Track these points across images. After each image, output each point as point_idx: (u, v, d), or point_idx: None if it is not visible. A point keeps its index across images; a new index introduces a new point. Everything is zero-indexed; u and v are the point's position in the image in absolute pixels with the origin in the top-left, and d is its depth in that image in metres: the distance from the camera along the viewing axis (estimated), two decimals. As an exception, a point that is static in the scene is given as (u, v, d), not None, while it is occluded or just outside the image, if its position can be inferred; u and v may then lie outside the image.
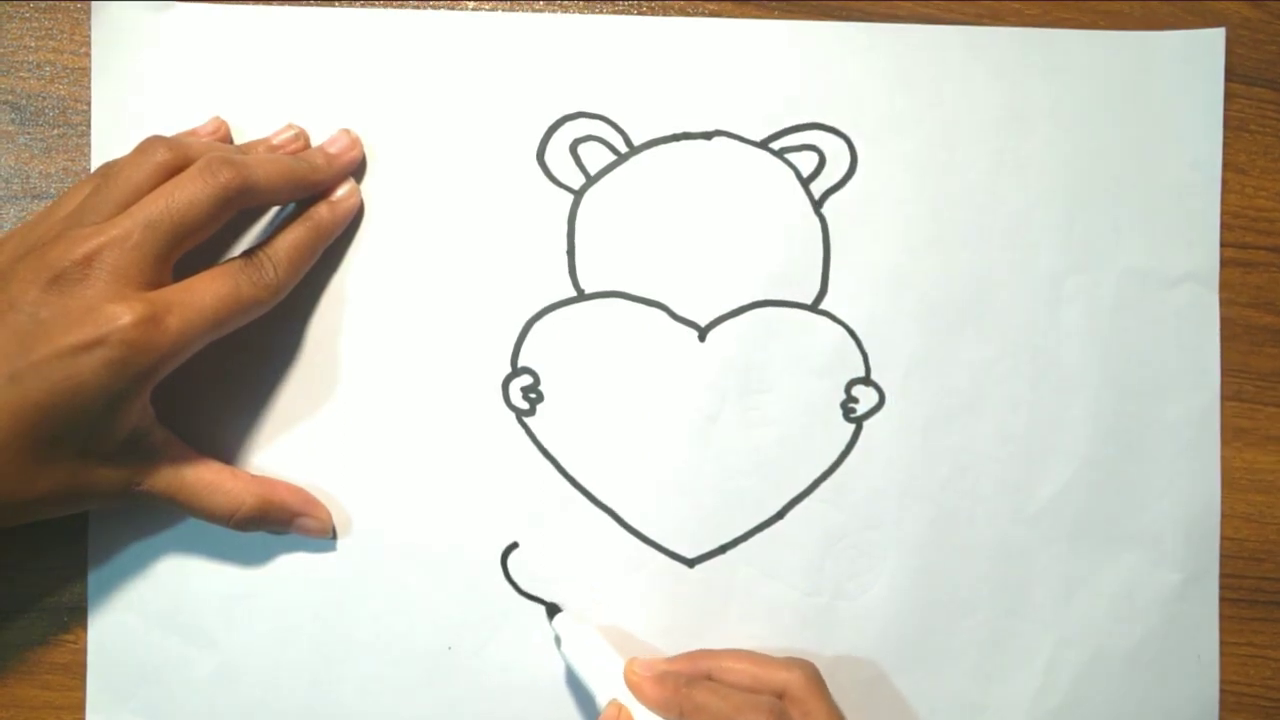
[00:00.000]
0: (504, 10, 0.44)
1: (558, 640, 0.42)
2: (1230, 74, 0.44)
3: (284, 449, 0.42)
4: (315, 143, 0.42)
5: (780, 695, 0.39)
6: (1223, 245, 0.44)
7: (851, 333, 0.43)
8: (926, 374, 0.43)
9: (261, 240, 0.40)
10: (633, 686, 0.39)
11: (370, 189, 0.43)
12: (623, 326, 0.43)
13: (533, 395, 0.43)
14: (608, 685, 0.40)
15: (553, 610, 0.42)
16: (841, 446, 0.43)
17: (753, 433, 0.43)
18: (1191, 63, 0.44)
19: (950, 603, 0.43)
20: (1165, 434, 0.44)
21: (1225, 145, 0.44)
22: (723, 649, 0.41)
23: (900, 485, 0.43)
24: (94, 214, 0.37)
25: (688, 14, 0.44)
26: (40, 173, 0.43)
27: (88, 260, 0.35)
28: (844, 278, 0.43)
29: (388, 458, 0.43)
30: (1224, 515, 0.44)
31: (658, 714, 0.39)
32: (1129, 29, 0.44)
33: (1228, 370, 0.44)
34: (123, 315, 0.35)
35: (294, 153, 0.41)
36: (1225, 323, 0.44)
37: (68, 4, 0.43)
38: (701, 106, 0.43)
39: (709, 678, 0.40)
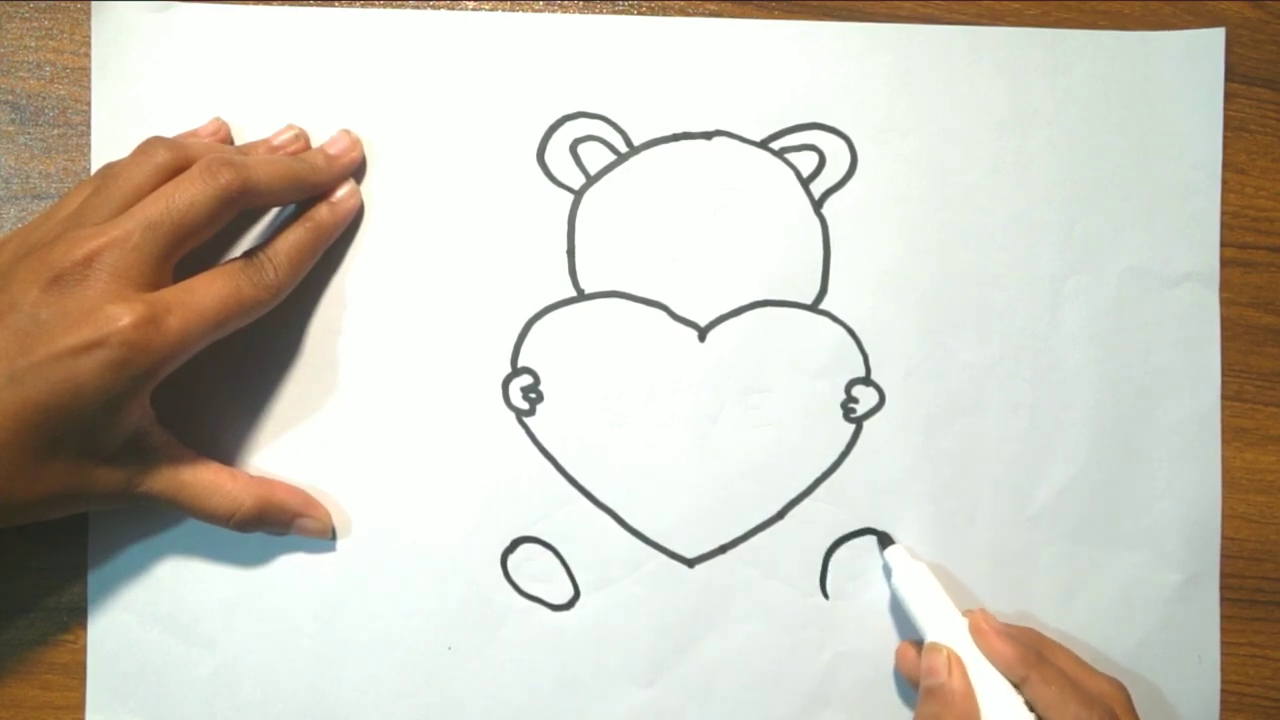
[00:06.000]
0: (504, 10, 0.44)
1: (887, 570, 0.42)
2: (1230, 74, 0.44)
3: (284, 449, 0.42)
4: (316, 143, 0.42)
5: None
6: (1223, 245, 0.44)
7: (851, 333, 0.43)
8: (926, 374, 0.43)
9: (262, 241, 0.40)
10: (980, 635, 0.39)
11: (370, 190, 0.43)
12: (623, 326, 0.43)
13: (533, 395, 0.43)
14: (942, 626, 0.40)
15: (885, 540, 0.43)
16: (841, 446, 0.43)
17: (753, 433, 0.43)
18: (1191, 63, 0.44)
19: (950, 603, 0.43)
20: (1166, 434, 0.44)
21: (1225, 145, 0.44)
22: (1048, 637, 0.41)
23: (900, 485, 0.43)
24: (95, 215, 0.37)
25: (688, 14, 0.44)
26: (40, 173, 0.43)
27: (88, 261, 0.35)
28: (844, 278, 0.43)
29: (388, 458, 0.43)
30: (1224, 515, 0.44)
31: (998, 668, 0.38)
32: (1129, 29, 0.44)
33: (1228, 370, 0.44)
34: (123, 316, 0.35)
35: (294, 153, 0.41)
36: (1225, 323, 0.44)
37: (68, 4, 0.43)
38: (701, 106, 0.43)
39: (1040, 655, 0.39)
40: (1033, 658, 0.38)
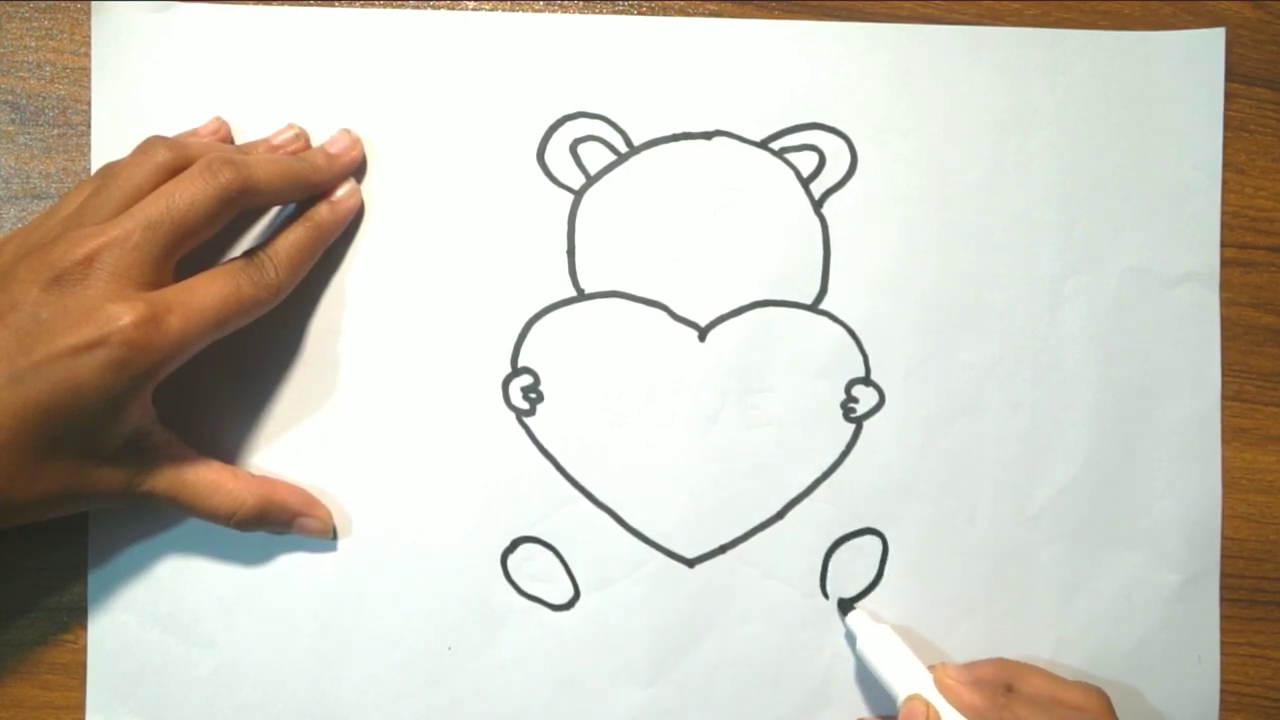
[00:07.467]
0: (504, 10, 0.44)
1: (851, 637, 0.42)
2: (1230, 74, 0.44)
3: (284, 449, 0.42)
4: (316, 143, 0.42)
5: None
6: (1223, 245, 0.44)
7: (851, 333, 0.43)
8: (926, 374, 0.43)
9: (262, 240, 0.40)
10: (946, 690, 0.39)
11: (371, 189, 0.43)
12: (623, 326, 0.43)
13: (533, 395, 0.43)
14: (912, 685, 0.39)
15: (845, 607, 0.43)
16: (841, 446, 0.43)
17: (753, 433, 0.43)
18: (1191, 63, 0.44)
19: (950, 603, 0.43)
20: (1166, 434, 0.44)
21: (1225, 145, 0.44)
22: (1018, 662, 0.41)
23: (900, 485, 0.43)
24: (95, 214, 0.37)
25: (688, 14, 0.44)
26: (40, 173, 0.43)
27: (88, 260, 0.35)
28: (844, 278, 0.43)
29: (388, 458, 0.43)
30: (1224, 515, 0.44)
31: (970, 719, 0.38)
32: (1129, 29, 0.44)
33: (1228, 370, 0.44)
34: (123, 315, 0.35)
35: (295, 153, 0.41)
36: (1225, 323, 0.44)
37: (68, 4, 0.43)
38: (701, 106, 0.43)
39: (1009, 689, 0.39)
40: (1002, 699, 0.38)
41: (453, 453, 0.43)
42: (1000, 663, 0.41)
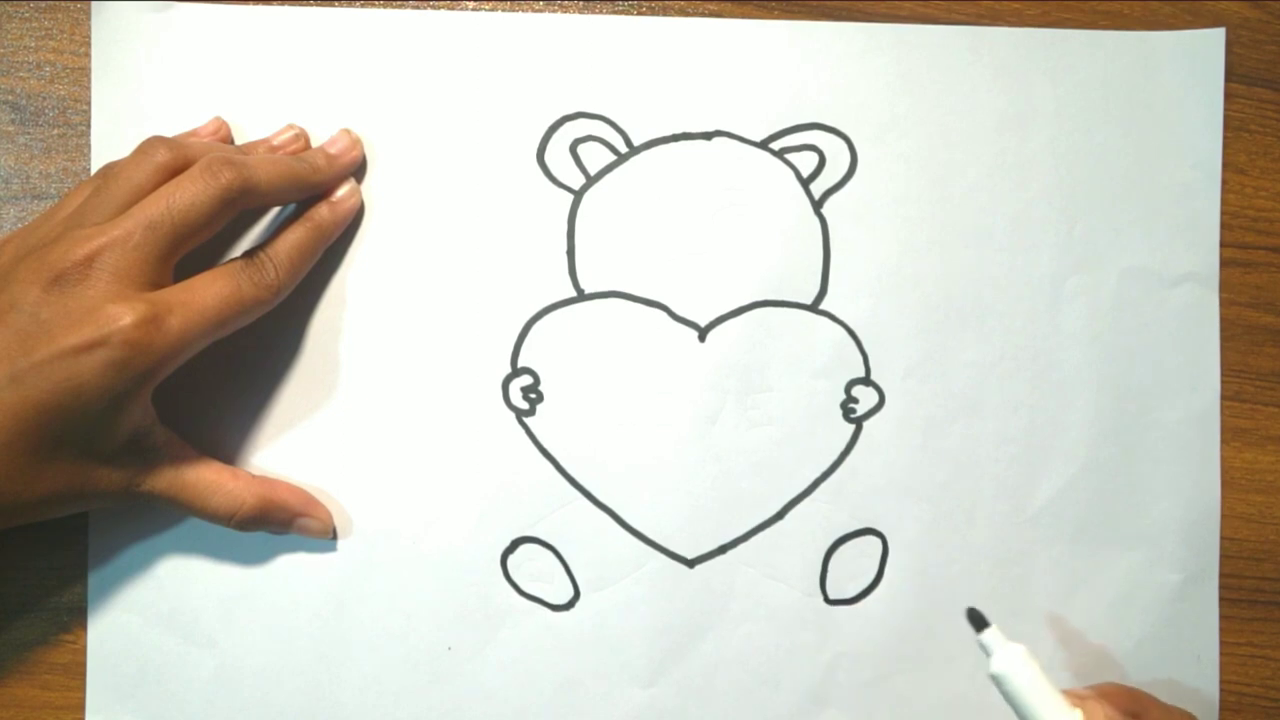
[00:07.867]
0: (504, 10, 0.44)
1: (984, 649, 0.37)
2: (1230, 74, 0.44)
3: (284, 449, 0.42)
4: (316, 143, 0.42)
5: None
6: (1222, 245, 0.44)
7: (851, 333, 0.43)
8: (926, 374, 0.43)
9: (262, 241, 0.40)
10: None
11: (371, 189, 0.43)
12: (623, 326, 0.43)
13: (533, 395, 0.43)
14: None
15: (979, 622, 0.37)
16: (841, 446, 0.43)
17: (753, 433, 0.43)
18: (1191, 63, 0.44)
19: (950, 603, 0.43)
20: (1165, 434, 0.44)
21: (1225, 145, 0.44)
22: (1130, 688, 0.40)
23: (900, 485, 0.43)
24: (95, 215, 0.37)
25: (688, 14, 0.44)
26: (40, 173, 0.43)
27: (89, 261, 0.35)
28: (844, 278, 0.43)
29: (388, 458, 0.43)
30: (1223, 515, 0.44)
31: None
32: (1129, 29, 0.44)
33: (1228, 370, 0.44)
34: (124, 316, 0.35)
35: (295, 153, 0.41)
36: (1225, 323, 0.44)
37: (68, 4, 0.43)
38: (701, 106, 0.43)
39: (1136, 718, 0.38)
40: None
41: (453, 453, 0.43)
42: (1123, 691, 0.39)
